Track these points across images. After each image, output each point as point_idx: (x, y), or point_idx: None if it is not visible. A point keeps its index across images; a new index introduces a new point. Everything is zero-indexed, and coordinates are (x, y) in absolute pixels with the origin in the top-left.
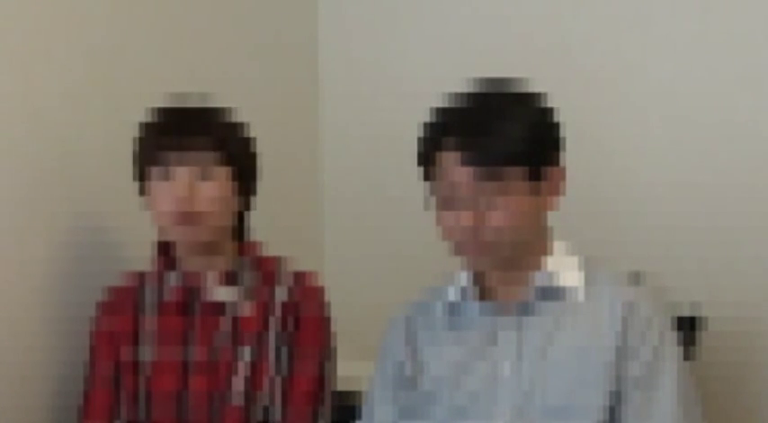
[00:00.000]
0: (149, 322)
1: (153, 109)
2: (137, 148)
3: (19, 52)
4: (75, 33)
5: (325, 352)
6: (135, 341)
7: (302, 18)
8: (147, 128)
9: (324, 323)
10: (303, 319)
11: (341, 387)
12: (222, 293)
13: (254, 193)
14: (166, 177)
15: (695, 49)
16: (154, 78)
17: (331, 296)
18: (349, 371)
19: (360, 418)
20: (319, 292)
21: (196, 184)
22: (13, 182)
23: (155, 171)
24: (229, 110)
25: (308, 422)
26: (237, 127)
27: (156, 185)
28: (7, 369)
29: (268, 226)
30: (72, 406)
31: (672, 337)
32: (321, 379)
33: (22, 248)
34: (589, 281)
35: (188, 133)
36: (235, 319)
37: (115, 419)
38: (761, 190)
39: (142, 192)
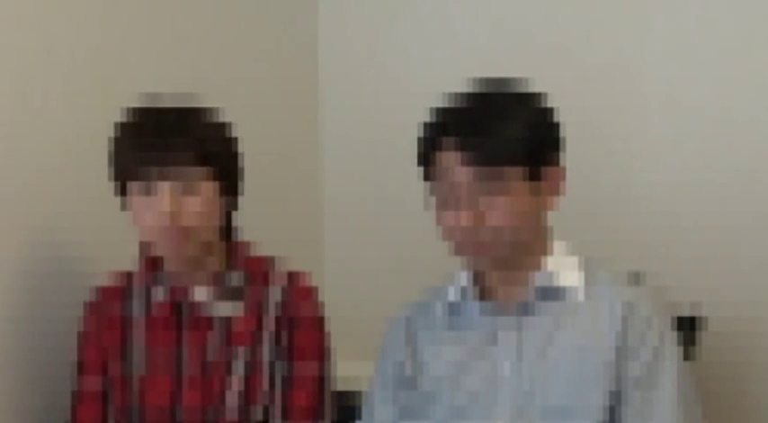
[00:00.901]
0: (138, 337)
1: (128, 109)
2: (113, 163)
3: (19, 52)
4: (75, 33)
5: (323, 351)
6: (125, 356)
7: (302, 18)
8: (121, 142)
9: (320, 323)
10: (299, 320)
11: (341, 387)
12: (217, 308)
13: (241, 192)
14: (148, 193)
15: (695, 49)
16: (153, 79)
17: (331, 296)
18: (349, 371)
19: (360, 418)
20: (313, 291)
21: (179, 199)
22: (8, 182)
23: (136, 186)
24: (209, 110)
25: (310, 421)
26: (217, 127)
27: (138, 201)
28: None
29: (268, 226)
30: (50, 407)
31: (672, 337)
32: (321, 379)
33: (6, 247)
34: (589, 281)
35: (170, 149)
36: (226, 321)
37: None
38: (761, 190)
39: (126, 207)
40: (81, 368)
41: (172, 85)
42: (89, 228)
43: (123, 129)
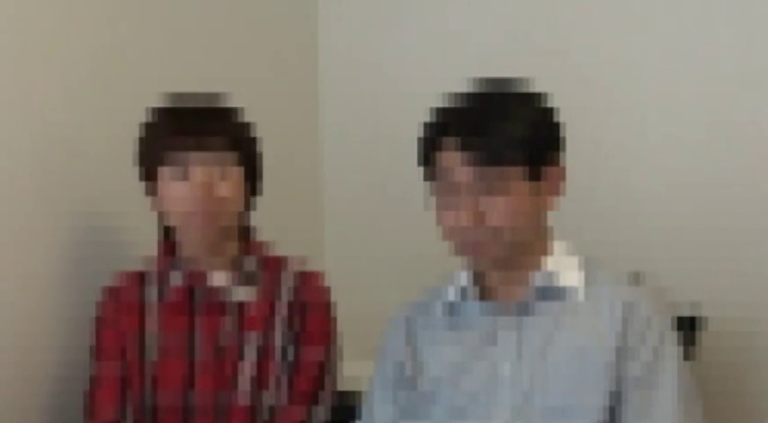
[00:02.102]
0: (153, 322)
1: (156, 109)
2: (144, 149)
3: (19, 52)
4: (75, 33)
5: (326, 353)
6: (140, 341)
7: (302, 18)
8: (153, 128)
9: (328, 323)
10: (310, 305)
11: (341, 387)
12: (232, 293)
13: (260, 193)
14: (183, 177)
15: (695, 49)
16: (154, 78)
17: (331, 296)
18: (349, 371)
19: (360, 418)
20: (325, 292)
21: (214, 183)
22: (14, 182)
23: (170, 171)
24: (240, 110)
25: (302, 415)
26: (248, 127)
27: (171, 185)
28: (8, 369)
29: (269, 226)
30: (72, 406)
31: (672, 336)
32: (323, 364)
33: (22, 248)
34: (589, 281)
35: (207, 133)
36: (240, 318)
37: (121, 419)
38: (761, 190)
39: (152, 192)
40: (98, 353)
41: (172, 84)
42: (113, 228)
43: (154, 129)
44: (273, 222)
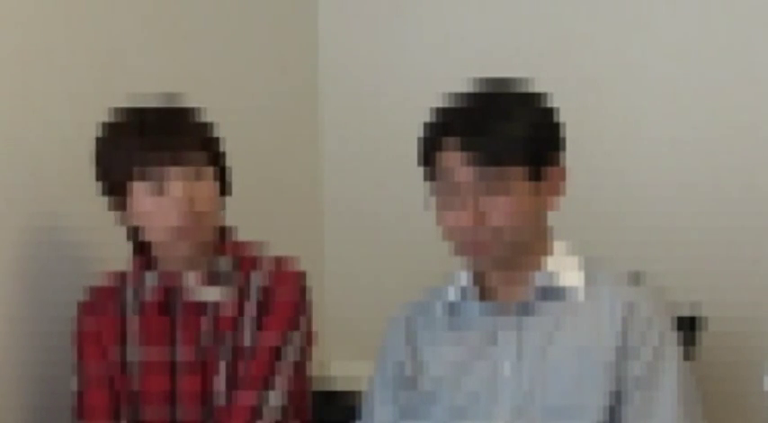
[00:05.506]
0: (133, 323)
1: (120, 109)
2: (107, 164)
3: (19, 52)
4: (74, 33)
5: (282, 337)
6: (121, 342)
7: (302, 18)
8: (119, 128)
9: (288, 310)
10: (271, 310)
11: (341, 387)
12: (207, 294)
13: (229, 192)
14: (160, 180)
15: (695, 49)
16: (153, 78)
17: (331, 296)
18: (349, 371)
19: (360, 418)
20: (294, 290)
21: (192, 185)
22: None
23: (144, 173)
24: (201, 110)
25: (252, 400)
26: (212, 126)
27: (147, 188)
28: None
29: (268, 226)
30: (50, 407)
31: (672, 336)
32: (272, 364)
33: (4, 245)
34: (589, 281)
35: (177, 134)
36: (216, 318)
37: (114, 418)
38: (761, 190)
39: (118, 207)
40: (81, 354)
41: (172, 84)
42: (89, 228)
43: (117, 126)
44: (273, 223)
